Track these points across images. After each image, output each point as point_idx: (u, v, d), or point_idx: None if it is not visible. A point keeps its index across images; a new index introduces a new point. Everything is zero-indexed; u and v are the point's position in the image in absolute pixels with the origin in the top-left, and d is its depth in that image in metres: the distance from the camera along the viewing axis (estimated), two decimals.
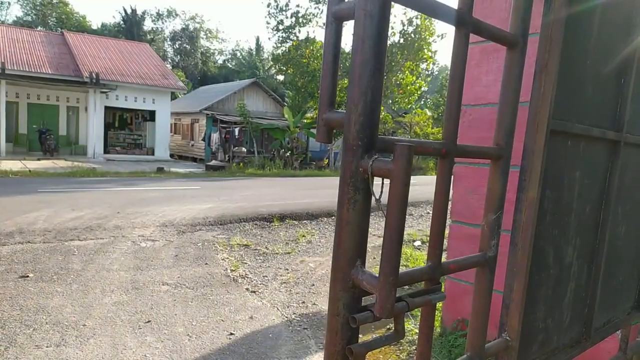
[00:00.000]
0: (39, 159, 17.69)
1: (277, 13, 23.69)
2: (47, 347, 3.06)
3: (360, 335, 0.85)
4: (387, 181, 0.73)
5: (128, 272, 4.75)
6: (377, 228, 7.51)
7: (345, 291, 0.79)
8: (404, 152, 0.68)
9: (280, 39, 24.30)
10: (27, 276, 4.40)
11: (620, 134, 1.41)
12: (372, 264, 5.24)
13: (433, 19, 20.74)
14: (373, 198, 0.77)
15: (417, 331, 3.47)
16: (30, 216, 6.95)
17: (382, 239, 0.73)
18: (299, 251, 6.14)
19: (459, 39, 0.88)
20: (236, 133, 21.28)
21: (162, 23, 50.91)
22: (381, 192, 0.76)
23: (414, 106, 27.09)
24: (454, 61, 0.89)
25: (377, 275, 0.75)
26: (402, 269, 0.78)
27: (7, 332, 3.22)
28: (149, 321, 3.58)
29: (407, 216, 8.97)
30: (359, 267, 0.78)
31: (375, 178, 0.76)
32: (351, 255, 0.78)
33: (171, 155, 24.36)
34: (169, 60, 47.83)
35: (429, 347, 0.97)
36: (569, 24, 1.09)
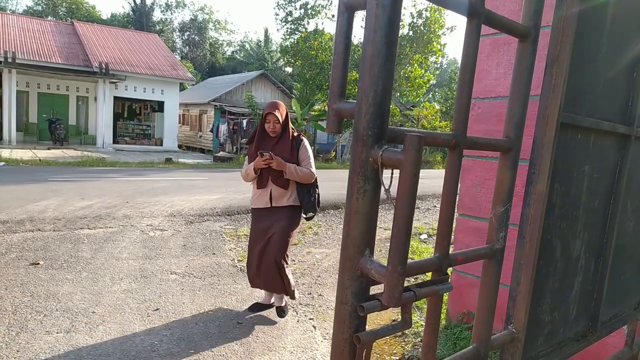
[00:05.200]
0: (49, 148, 17.86)
1: (286, 4, 23.60)
2: (57, 333, 3.11)
3: (367, 326, 0.86)
4: (396, 172, 0.73)
5: (137, 260, 4.80)
6: (384, 220, 7.51)
7: (354, 280, 0.80)
8: (414, 142, 0.68)
9: (289, 30, 24.23)
10: (38, 263, 4.46)
11: (631, 128, 1.40)
12: (379, 256, 5.25)
13: (443, 11, 20.49)
14: (382, 188, 0.78)
15: (423, 323, 3.48)
16: (40, 204, 7.03)
17: (389, 231, 0.73)
18: (306, 242, 6.17)
19: (470, 30, 0.88)
20: (244, 124, 21.30)
21: (171, 14, 50.91)
22: (390, 182, 0.77)
23: (422, 99, 26.93)
24: (465, 52, 0.89)
25: (385, 264, 0.76)
26: (408, 262, 0.78)
27: (19, 318, 3.28)
28: (157, 309, 3.63)
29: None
30: (368, 256, 0.79)
31: (384, 169, 0.77)
32: (360, 244, 0.79)
33: (179, 146, 24.47)
34: (178, 51, 47.86)
35: (435, 337, 0.98)
36: (581, 16, 1.08)
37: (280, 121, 3.37)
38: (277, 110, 3.35)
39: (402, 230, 0.71)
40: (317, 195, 3.58)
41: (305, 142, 3.52)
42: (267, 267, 3.43)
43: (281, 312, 3.64)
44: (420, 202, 10.23)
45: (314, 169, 3.47)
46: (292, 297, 3.61)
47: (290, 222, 3.45)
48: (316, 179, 3.54)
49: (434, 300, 0.96)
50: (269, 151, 3.26)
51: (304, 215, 3.58)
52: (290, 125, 3.53)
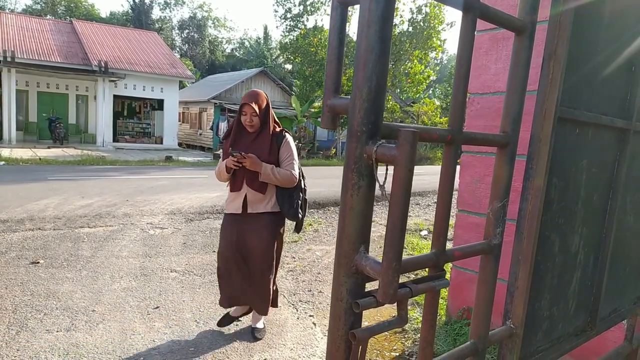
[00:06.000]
0: (49, 147, 17.88)
1: (285, 1, 23.56)
2: (57, 331, 3.12)
3: (366, 323, 0.86)
4: (391, 168, 0.73)
5: (137, 258, 4.80)
6: (383, 217, 7.51)
7: (349, 276, 0.80)
8: (408, 137, 0.68)
9: (288, 27, 24.22)
10: (38, 262, 4.46)
11: (630, 122, 1.39)
12: (379, 252, 5.25)
13: (442, 7, 20.45)
14: (377, 184, 0.77)
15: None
16: (40, 203, 7.03)
17: None
18: (306, 239, 6.17)
19: (466, 25, 0.87)
20: None
21: (170, 11, 50.99)
22: (385, 178, 0.76)
23: (422, 95, 26.91)
24: (461, 47, 0.89)
25: (380, 261, 0.75)
26: (404, 258, 0.78)
27: (19, 317, 3.28)
28: (157, 307, 3.63)
29: (414, 206, 8.80)
30: (363, 252, 0.79)
31: (379, 165, 0.76)
32: (355, 240, 0.78)
33: (179, 144, 24.47)
34: (177, 49, 47.85)
35: (432, 333, 0.98)
36: (579, 10, 1.08)
37: (258, 114, 2.92)
38: (253, 101, 2.90)
39: (397, 226, 0.71)
40: (300, 201, 3.08)
41: (289, 138, 3.05)
42: (255, 287, 3.08)
43: (258, 333, 3.25)
44: (420, 199, 10.23)
45: (296, 171, 3.00)
46: (265, 313, 3.24)
47: (272, 234, 3.04)
48: (300, 182, 3.09)
49: (430, 296, 0.96)
50: (240, 151, 2.83)
51: (293, 226, 3.25)
52: (274, 119, 3.07)
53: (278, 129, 3.06)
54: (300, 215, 3.09)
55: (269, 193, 2.99)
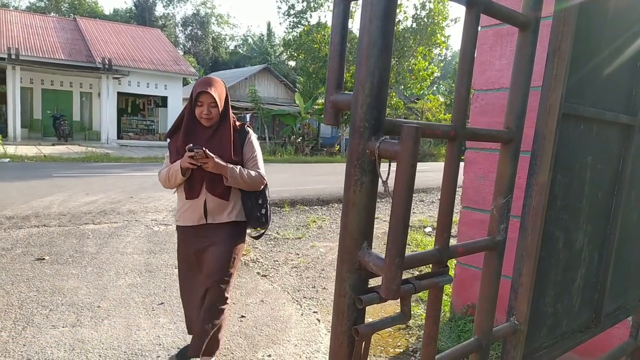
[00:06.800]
0: (53, 144, 17.95)
1: None
2: (63, 327, 3.14)
3: (370, 319, 0.86)
4: (394, 164, 0.72)
5: (141, 255, 4.82)
6: (387, 214, 7.51)
7: (352, 272, 0.80)
8: (411, 133, 0.68)
9: (292, 24, 24.17)
10: (43, 259, 4.49)
11: (635, 118, 1.38)
12: (383, 249, 5.25)
13: (446, 3, 20.34)
14: (380, 180, 0.77)
15: None
16: (45, 200, 7.07)
17: None
18: (310, 236, 6.17)
19: (469, 20, 0.87)
20: (247, 119, 21.29)
21: (173, 8, 50.95)
22: (388, 174, 0.76)
23: (426, 92, 26.81)
24: (464, 42, 0.88)
25: (383, 257, 0.75)
26: (407, 254, 0.78)
27: (25, 313, 3.31)
28: (162, 303, 3.65)
29: (418, 202, 8.74)
30: (366, 248, 0.79)
31: (382, 161, 0.76)
32: (358, 236, 0.78)
33: None
34: (181, 46, 47.84)
35: (436, 329, 0.98)
36: (583, 5, 1.07)
37: (218, 104, 2.36)
38: (211, 88, 2.33)
39: (400, 222, 0.70)
40: (268, 206, 2.60)
41: (252, 135, 2.55)
42: (204, 315, 2.47)
43: None
44: (424, 195, 10.21)
45: (263, 171, 2.51)
46: (210, 354, 2.57)
47: (232, 247, 2.49)
48: (266, 185, 2.58)
49: (434, 293, 0.96)
50: (202, 147, 2.23)
51: (252, 234, 2.73)
52: (231, 113, 2.51)
53: (239, 124, 2.55)
54: (267, 222, 2.63)
55: (233, 199, 2.47)
